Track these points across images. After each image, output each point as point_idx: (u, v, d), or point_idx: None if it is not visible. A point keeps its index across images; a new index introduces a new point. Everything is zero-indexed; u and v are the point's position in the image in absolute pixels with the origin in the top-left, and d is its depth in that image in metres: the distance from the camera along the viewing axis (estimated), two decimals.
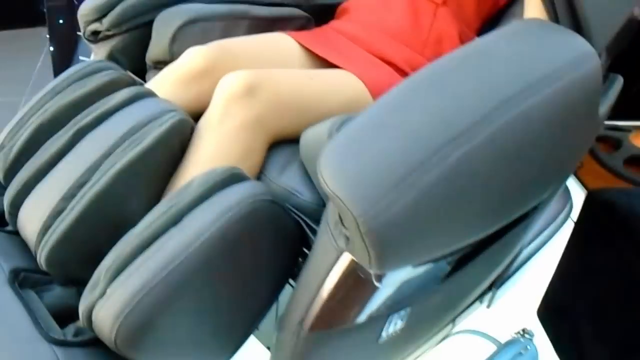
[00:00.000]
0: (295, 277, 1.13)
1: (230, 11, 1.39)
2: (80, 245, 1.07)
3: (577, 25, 1.12)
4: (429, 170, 0.76)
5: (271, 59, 1.32)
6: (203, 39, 1.34)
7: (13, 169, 1.20)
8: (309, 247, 1.12)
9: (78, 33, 2.05)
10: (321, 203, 1.10)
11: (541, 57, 0.96)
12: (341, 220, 0.83)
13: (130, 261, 0.97)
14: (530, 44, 0.99)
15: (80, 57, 2.07)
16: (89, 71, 1.26)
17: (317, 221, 1.07)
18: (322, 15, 1.61)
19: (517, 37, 1.00)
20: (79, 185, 1.07)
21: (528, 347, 1.46)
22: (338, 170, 0.78)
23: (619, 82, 1.12)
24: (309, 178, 1.13)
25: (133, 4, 1.34)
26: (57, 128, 1.19)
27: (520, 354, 1.47)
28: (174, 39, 1.33)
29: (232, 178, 1.04)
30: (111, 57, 1.40)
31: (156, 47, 1.36)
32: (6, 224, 1.21)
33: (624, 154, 2.13)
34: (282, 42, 1.36)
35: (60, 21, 2.08)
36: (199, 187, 1.01)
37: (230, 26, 1.39)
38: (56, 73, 2.06)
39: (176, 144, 1.13)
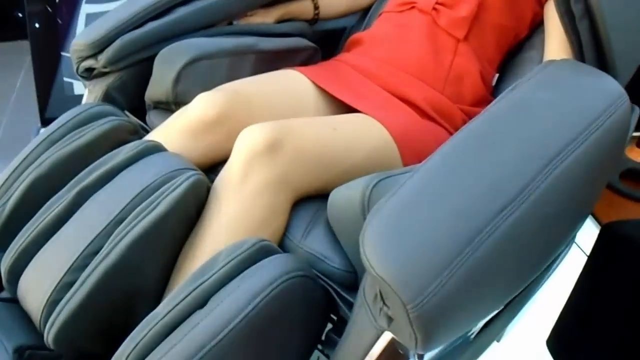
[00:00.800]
0: (322, 342, 1.07)
1: (236, 46, 1.29)
2: (92, 320, 0.98)
3: (603, 62, 1.14)
4: (478, 247, 0.75)
5: (285, 102, 1.23)
6: (209, 78, 1.25)
7: (7, 228, 1.10)
8: (336, 313, 1.06)
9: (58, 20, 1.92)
10: (351, 269, 1.03)
11: (579, 107, 0.94)
12: (382, 298, 0.80)
13: (152, 347, 0.89)
14: (566, 94, 0.97)
15: (65, 79, 1.92)
16: (87, 117, 1.17)
17: (345, 287, 1.03)
18: (327, 42, 1.55)
19: (552, 87, 0.99)
20: (88, 255, 0.98)
21: None
22: (385, 253, 0.75)
23: (637, 113, 1.12)
24: (337, 241, 1.05)
25: (132, 39, 1.23)
26: (55, 183, 1.10)
27: None
28: (177, 79, 1.23)
29: (262, 251, 0.95)
30: (107, 95, 1.30)
31: (158, 87, 1.26)
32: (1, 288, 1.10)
33: (619, 168, 2.10)
34: (295, 82, 1.27)
35: (37, 25, 1.92)
36: (226, 264, 0.92)
37: (236, 61, 1.29)
38: (38, 88, 1.91)
39: (192, 207, 1.04)
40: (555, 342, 1.58)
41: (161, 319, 0.89)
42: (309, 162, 1.07)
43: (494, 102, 0.97)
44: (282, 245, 1.07)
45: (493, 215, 0.78)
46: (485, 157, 0.86)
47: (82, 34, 1.25)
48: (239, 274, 0.92)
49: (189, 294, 0.90)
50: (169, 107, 1.29)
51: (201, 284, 0.91)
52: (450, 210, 0.78)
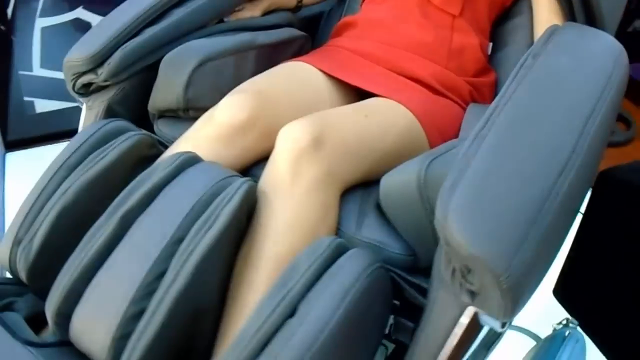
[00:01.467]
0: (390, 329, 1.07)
1: (238, 44, 1.25)
2: (167, 347, 0.93)
3: (593, 21, 1.24)
4: (548, 213, 0.79)
5: (305, 96, 1.20)
6: (217, 79, 1.21)
7: (38, 266, 1.03)
8: (399, 298, 1.05)
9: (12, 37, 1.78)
10: (410, 252, 1.04)
11: (596, 68, 1.02)
12: (462, 275, 0.82)
13: None
14: (583, 56, 1.05)
15: (25, 98, 1.79)
16: (103, 137, 1.10)
17: (407, 270, 1.04)
18: (309, 29, 1.52)
19: (570, 52, 1.05)
20: (152, 281, 0.92)
21: (576, 337, 1.46)
22: (473, 231, 0.77)
23: None
24: (391, 227, 1.05)
25: (133, 48, 1.16)
26: (83, 211, 1.04)
27: (565, 344, 1.47)
28: (188, 83, 1.18)
29: (337, 250, 0.93)
30: (110, 110, 1.22)
31: (166, 94, 1.20)
32: (37, 328, 1.04)
33: None
34: (307, 74, 1.25)
35: None
36: (309, 268, 0.89)
37: (240, 59, 1.25)
38: None
39: (245, 214, 1.00)
40: (562, 290, 1.64)
41: (255, 334, 0.86)
42: (350, 153, 1.06)
43: (523, 71, 1.00)
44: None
45: (554, 179, 0.82)
46: (536, 125, 0.90)
47: (77, 49, 1.17)
48: (320, 275, 0.90)
49: (279, 305, 0.87)
50: (176, 114, 1.23)
51: (288, 292, 0.88)
52: (521, 181, 0.82)
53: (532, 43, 1.38)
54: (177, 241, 0.93)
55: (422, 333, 0.94)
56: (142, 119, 1.27)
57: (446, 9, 1.34)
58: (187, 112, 1.21)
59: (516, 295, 0.77)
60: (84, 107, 1.24)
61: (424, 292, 1.01)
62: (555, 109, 0.93)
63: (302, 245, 0.98)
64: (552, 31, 1.10)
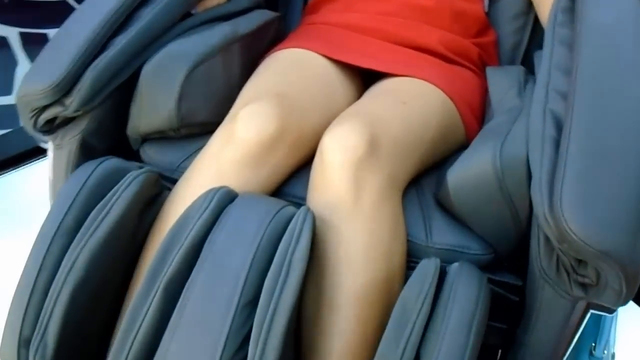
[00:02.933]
0: None
1: (224, 38, 1.06)
2: None
3: None
4: None
5: (320, 90, 1.05)
6: (209, 85, 1.04)
7: None
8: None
9: None
10: (489, 250, 0.94)
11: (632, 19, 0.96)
12: (574, 270, 0.80)
13: None
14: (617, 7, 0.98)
15: None
16: (98, 184, 0.90)
17: (488, 270, 0.94)
18: (273, 4, 1.37)
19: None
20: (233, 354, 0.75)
21: None
22: (597, 227, 0.73)
23: None
24: (462, 227, 0.95)
25: (105, 65, 0.95)
26: (100, 282, 0.87)
27: None
28: (181, 97, 0.98)
29: (439, 272, 0.84)
30: (84, 145, 1.00)
31: (154, 114, 1.01)
32: None
33: None
34: (314, 63, 1.09)
35: None
36: (423, 304, 0.78)
37: (227, 56, 1.07)
38: None
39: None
40: None
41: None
42: (404, 150, 0.94)
43: (560, 29, 0.97)
44: (411, 250, 0.93)
45: None
46: (615, 94, 0.84)
47: (33, 78, 0.94)
48: (434, 304, 0.80)
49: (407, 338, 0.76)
50: (165, 134, 1.04)
51: (407, 341, 0.76)
52: (621, 160, 0.77)
53: None
54: (248, 304, 0.77)
55: (531, 334, 0.89)
56: (119, 146, 1.07)
57: None
58: (179, 131, 1.02)
59: (637, 281, 0.76)
60: (50, 147, 1.01)
61: (513, 289, 0.94)
62: (627, 72, 0.87)
63: (381, 272, 0.86)
64: None
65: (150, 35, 0.99)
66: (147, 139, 1.05)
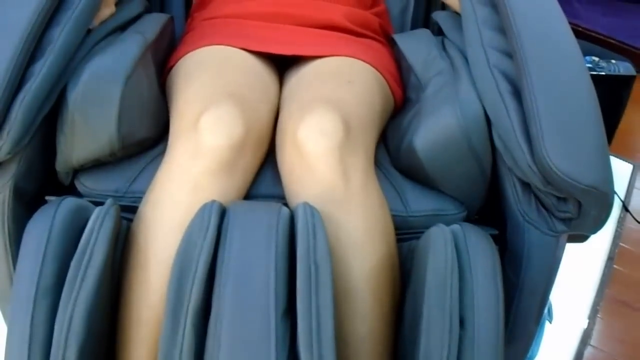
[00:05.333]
0: None
1: (139, 49, 1.02)
2: None
3: None
4: (599, 115, 0.88)
5: (260, 86, 1.06)
6: (140, 99, 1.01)
7: None
8: None
9: None
10: (462, 207, 1.03)
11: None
12: (555, 207, 0.91)
13: None
14: None
15: None
16: (65, 232, 0.86)
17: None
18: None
19: None
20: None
21: None
22: (580, 166, 0.83)
23: None
24: (434, 191, 1.03)
25: (33, 98, 0.87)
26: (99, 332, 0.85)
27: None
28: (120, 117, 0.94)
29: (452, 237, 0.89)
30: (17, 191, 0.93)
31: (91, 141, 0.96)
32: None
33: None
34: (243, 59, 1.09)
35: None
36: (452, 269, 0.85)
37: (145, 65, 1.04)
38: None
39: None
40: None
41: None
42: (367, 127, 0.99)
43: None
44: (396, 223, 0.98)
45: (589, 84, 0.90)
46: (553, 43, 0.95)
47: None
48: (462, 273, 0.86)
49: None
50: (98, 161, 1.00)
51: (450, 303, 0.83)
52: (576, 97, 0.88)
53: None
54: (284, 312, 0.78)
55: (525, 276, 0.98)
56: (47, 184, 1.01)
57: None
58: (116, 155, 0.99)
59: (612, 206, 0.88)
60: None
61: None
62: (557, 23, 0.99)
63: (383, 250, 0.91)
64: None
65: (66, 58, 0.94)
66: (78, 169, 1.00)
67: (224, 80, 1.00)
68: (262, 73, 1.09)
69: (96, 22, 1.04)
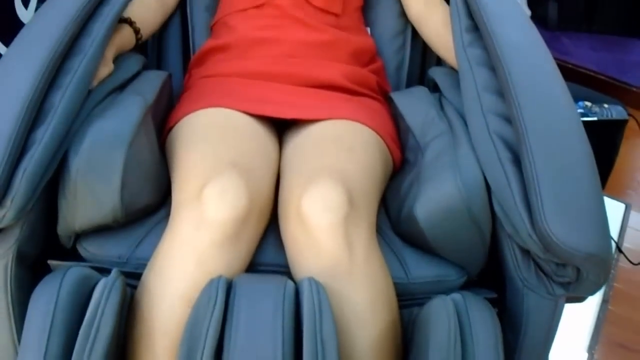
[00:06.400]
0: None
1: (140, 112, 1.04)
2: None
3: None
4: (597, 182, 0.92)
5: (260, 151, 1.08)
6: (141, 165, 1.02)
7: None
8: None
9: None
10: (463, 272, 1.06)
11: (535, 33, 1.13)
12: (554, 272, 0.94)
13: None
14: (524, 25, 1.15)
15: None
16: (70, 303, 0.87)
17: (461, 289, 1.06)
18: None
19: (512, 21, 1.14)
20: None
21: None
22: (580, 234, 0.86)
23: None
24: (434, 256, 1.05)
25: (36, 166, 0.89)
26: None
27: None
28: (123, 186, 0.97)
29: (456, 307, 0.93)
30: (20, 256, 0.95)
31: (93, 209, 0.98)
32: None
33: None
34: (244, 123, 1.11)
35: None
36: (454, 342, 0.87)
37: (146, 129, 1.06)
38: None
39: None
40: None
41: None
42: (369, 196, 1.02)
43: (472, 50, 1.10)
44: (398, 290, 1.00)
45: (587, 148, 0.94)
46: (552, 109, 0.98)
47: None
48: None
49: None
50: (101, 226, 1.02)
51: None
52: (575, 163, 0.91)
53: (402, 12, 1.43)
54: None
55: (524, 338, 1.00)
56: (49, 247, 1.03)
57: (329, 9, 1.31)
58: (119, 221, 1.02)
59: (611, 270, 0.94)
60: None
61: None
62: (553, 85, 1.02)
63: (387, 319, 0.94)
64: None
65: (68, 122, 0.96)
66: (81, 234, 1.02)
67: (226, 149, 1.02)
68: (263, 137, 1.11)
69: (95, 82, 1.06)
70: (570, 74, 2.73)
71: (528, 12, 3.01)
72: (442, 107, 1.16)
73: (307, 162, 1.03)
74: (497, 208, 0.96)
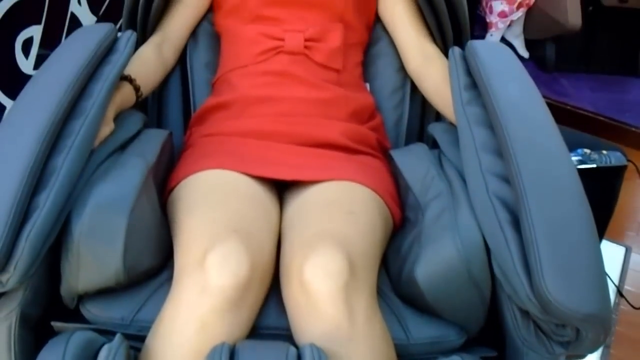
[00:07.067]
0: None
1: (142, 175, 1.06)
2: None
3: (459, 33, 1.45)
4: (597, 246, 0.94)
5: (260, 215, 1.10)
6: (144, 228, 1.05)
7: None
8: None
9: None
10: (462, 332, 1.07)
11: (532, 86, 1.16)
12: (553, 332, 0.96)
13: None
14: (519, 77, 1.18)
15: None
16: None
17: (464, 349, 1.08)
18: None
19: (508, 77, 1.17)
20: None
21: None
22: (579, 296, 0.88)
23: None
24: (433, 317, 1.07)
25: (39, 231, 0.91)
26: None
27: None
28: (125, 250, 0.99)
29: None
30: (24, 318, 0.97)
31: (96, 273, 1.00)
32: None
33: None
34: (244, 186, 1.14)
35: None
36: None
37: (147, 191, 1.08)
38: None
39: None
40: None
41: None
42: (370, 260, 1.04)
43: (471, 109, 1.13)
44: (398, 351, 1.02)
45: (587, 214, 0.95)
46: (551, 169, 1.00)
47: None
48: None
49: None
50: (103, 289, 1.04)
51: None
52: (578, 233, 0.93)
53: (401, 67, 1.47)
54: None
55: None
56: (52, 307, 1.05)
57: (330, 64, 1.35)
58: (122, 284, 1.03)
59: (611, 328, 0.93)
60: None
61: None
62: (551, 143, 1.05)
63: None
64: (460, 55, 1.23)
65: (70, 186, 0.98)
66: (84, 295, 1.03)
67: (227, 214, 1.04)
68: (264, 199, 1.14)
69: (96, 142, 1.09)
70: (569, 116, 2.78)
71: (526, 54, 3.07)
72: (441, 165, 1.19)
73: (308, 227, 1.05)
74: (496, 269, 0.98)
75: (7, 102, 1.69)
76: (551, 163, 1.01)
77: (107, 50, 1.18)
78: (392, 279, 1.13)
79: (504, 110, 1.06)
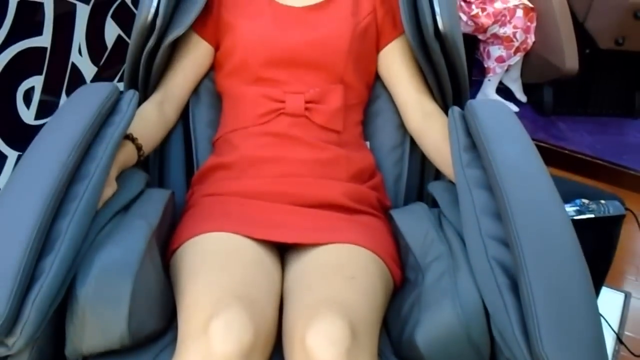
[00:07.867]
0: None
1: (145, 238, 1.09)
2: None
3: (459, 88, 1.46)
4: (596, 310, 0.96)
5: (263, 279, 1.13)
6: (148, 292, 1.08)
7: None
8: None
9: None
10: None
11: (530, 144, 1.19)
12: None
13: None
14: (518, 136, 1.21)
15: None
16: None
17: None
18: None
19: (507, 136, 1.20)
20: None
21: None
22: None
23: None
24: None
25: (45, 296, 0.94)
26: None
27: None
28: (130, 315, 1.01)
29: None
30: None
31: (100, 337, 1.02)
32: None
33: None
34: (246, 250, 1.17)
35: None
36: None
37: (151, 254, 1.11)
38: None
39: None
40: None
41: None
42: (371, 325, 1.07)
43: (471, 171, 1.15)
44: None
45: (585, 275, 0.98)
46: (549, 232, 1.03)
47: None
48: None
49: None
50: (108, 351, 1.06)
51: None
52: (577, 298, 0.95)
53: (400, 124, 1.50)
54: None
55: None
56: None
57: (331, 126, 1.38)
58: (126, 346, 1.06)
59: None
60: None
61: None
62: (549, 203, 1.07)
63: None
64: (459, 115, 1.26)
65: (76, 250, 1.01)
66: (89, 356, 1.06)
67: (230, 279, 1.07)
68: (266, 262, 1.17)
69: (100, 204, 1.12)
70: (567, 160, 2.82)
71: (523, 98, 3.12)
72: (441, 226, 1.22)
73: (310, 293, 1.08)
74: (495, 333, 1.01)
75: (9, 151, 1.73)
76: (549, 226, 1.03)
77: (110, 111, 1.22)
78: (393, 341, 1.16)
79: (503, 173, 1.09)
